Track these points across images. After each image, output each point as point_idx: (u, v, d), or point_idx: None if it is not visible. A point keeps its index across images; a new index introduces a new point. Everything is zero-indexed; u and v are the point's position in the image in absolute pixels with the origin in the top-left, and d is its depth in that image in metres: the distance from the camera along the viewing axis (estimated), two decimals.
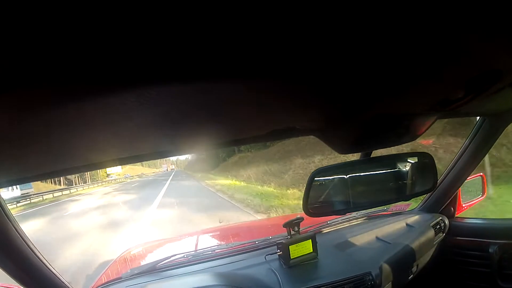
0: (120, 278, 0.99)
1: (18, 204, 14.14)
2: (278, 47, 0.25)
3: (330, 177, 0.78)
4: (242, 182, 11.43)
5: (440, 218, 1.21)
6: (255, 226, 1.97)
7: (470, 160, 1.10)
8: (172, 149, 0.58)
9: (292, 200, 6.24)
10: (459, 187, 1.21)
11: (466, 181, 1.20)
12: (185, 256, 1.06)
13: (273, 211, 5.45)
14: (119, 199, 11.79)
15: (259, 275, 0.91)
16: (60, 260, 3.62)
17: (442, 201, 1.25)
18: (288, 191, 7.62)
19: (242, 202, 7.00)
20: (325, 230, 1.19)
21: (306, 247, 0.98)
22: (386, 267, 0.92)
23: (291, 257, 0.95)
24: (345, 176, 0.77)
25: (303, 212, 0.74)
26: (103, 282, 1.01)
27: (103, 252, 3.84)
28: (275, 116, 0.49)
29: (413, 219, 1.22)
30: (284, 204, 5.96)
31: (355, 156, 0.82)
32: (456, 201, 1.26)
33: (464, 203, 1.29)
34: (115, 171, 51.20)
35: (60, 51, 0.20)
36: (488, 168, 3.77)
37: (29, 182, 0.54)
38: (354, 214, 1.29)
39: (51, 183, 31.52)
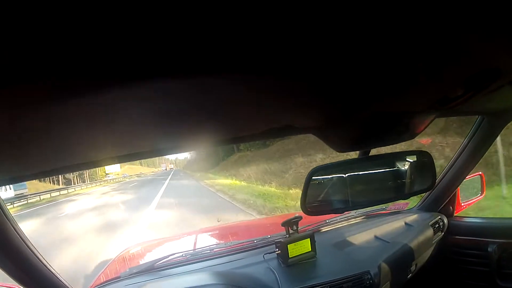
0: (119, 277, 0.99)
1: (15, 205, 13.97)
2: (277, 43, 0.25)
3: (329, 176, 0.77)
4: (242, 182, 11.15)
5: (439, 217, 1.21)
6: (253, 225, 1.98)
7: (469, 159, 1.10)
8: (170, 146, 0.58)
9: (296, 201, 6.03)
10: (458, 186, 1.21)
11: (465, 180, 1.20)
12: (184, 255, 1.06)
13: (278, 212, 5.21)
14: (117, 199, 11.55)
15: (258, 274, 0.91)
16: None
17: (441, 200, 1.25)
18: (290, 191, 7.43)
19: (244, 203, 6.71)
20: (324, 229, 1.19)
21: (304, 246, 0.97)
22: (384, 266, 0.92)
23: (290, 256, 0.94)
24: (343, 175, 0.76)
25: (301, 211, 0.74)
26: (102, 281, 1.01)
27: (95, 258, 3.53)
28: (272, 114, 0.49)
29: (411, 218, 1.22)
30: (290, 205, 5.76)
31: (353, 155, 0.81)
32: (455, 200, 1.26)
33: (463, 202, 1.30)
34: (113, 170, 51.20)
35: (60, 46, 0.20)
36: (502, 168, 3.77)
37: (29, 180, 0.53)
38: (352, 213, 1.29)
39: (50, 182, 31.49)
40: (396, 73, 0.37)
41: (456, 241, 1.20)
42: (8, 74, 0.22)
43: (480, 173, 1.33)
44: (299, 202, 0.75)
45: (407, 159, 0.82)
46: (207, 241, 1.48)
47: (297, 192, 6.90)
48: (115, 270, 1.14)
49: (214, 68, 0.27)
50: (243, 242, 1.12)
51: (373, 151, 0.77)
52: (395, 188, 0.81)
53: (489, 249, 1.07)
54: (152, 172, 67.49)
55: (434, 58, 0.34)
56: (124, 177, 47.47)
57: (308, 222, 1.17)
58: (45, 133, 0.34)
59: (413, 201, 1.40)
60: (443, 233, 1.20)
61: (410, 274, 1.06)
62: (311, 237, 0.99)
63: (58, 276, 0.75)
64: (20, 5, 0.16)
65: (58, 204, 12.85)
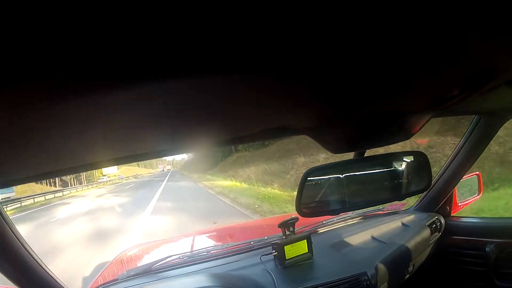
0: (117, 279, 0.99)
1: (9, 208, 13.67)
2: (278, 42, 0.25)
3: (324, 177, 0.77)
4: (243, 183, 10.85)
5: (436, 217, 1.22)
6: (250, 226, 1.98)
7: (466, 159, 1.10)
8: (169, 148, 0.58)
9: None
10: (454, 186, 1.21)
11: (462, 180, 1.21)
12: (181, 257, 1.05)
13: None
14: (112, 202, 11.09)
15: (255, 275, 0.91)
16: None
17: (438, 200, 1.25)
18: (295, 192, 6.86)
19: (248, 207, 6.17)
20: (321, 230, 1.19)
21: (301, 248, 0.97)
22: (381, 267, 0.92)
23: (286, 258, 0.94)
24: (340, 175, 0.76)
25: None
26: (100, 284, 1.01)
27: (82, 273, 3.18)
28: (271, 114, 0.48)
29: (408, 218, 1.22)
30: None
31: (349, 157, 0.81)
32: (452, 200, 1.26)
33: (460, 202, 1.30)
34: (110, 172, 50.94)
35: (60, 47, 0.20)
36: None
37: (29, 182, 0.54)
38: (349, 213, 1.29)
39: (46, 184, 31.24)
40: (392, 73, 0.37)
41: (453, 241, 1.20)
42: (8, 74, 0.22)
43: (477, 173, 1.34)
44: None
45: (403, 159, 0.82)
46: (204, 243, 1.48)
47: None
48: (112, 272, 1.14)
49: (214, 68, 0.27)
50: (240, 244, 1.12)
51: (369, 152, 0.76)
52: (391, 189, 0.81)
53: (486, 249, 1.07)
54: (149, 173, 67.53)
55: (430, 58, 0.34)
56: (120, 178, 47.23)
57: (304, 223, 1.16)
58: (44, 134, 0.34)
59: (410, 201, 1.40)
60: (440, 233, 1.20)
61: (408, 275, 1.05)
62: (308, 238, 0.99)
63: (57, 278, 0.76)
64: (22, 6, 0.16)
65: (51, 208, 12.38)
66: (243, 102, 0.39)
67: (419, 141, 5.27)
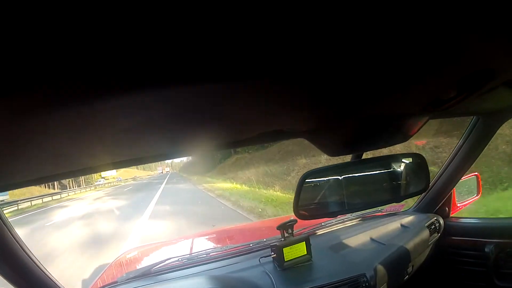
0: (116, 282, 0.99)
1: (6, 211, 13.65)
2: (272, 47, 0.25)
3: (322, 179, 0.77)
4: (243, 186, 10.60)
5: (435, 218, 1.22)
6: (249, 228, 1.97)
7: (464, 160, 1.11)
8: (168, 152, 0.58)
9: None
10: (453, 187, 1.22)
11: (460, 180, 1.21)
12: (180, 259, 1.05)
13: None
14: (109, 205, 10.88)
15: (253, 278, 0.91)
16: None
17: (437, 201, 1.25)
18: None
19: (252, 211, 5.85)
20: (319, 232, 1.19)
21: (300, 249, 0.97)
22: (380, 268, 0.92)
23: (285, 260, 0.94)
24: (339, 177, 0.76)
25: None
26: (99, 286, 1.01)
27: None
28: (264, 118, 0.49)
29: (407, 219, 1.22)
30: None
31: (348, 158, 0.81)
32: (450, 201, 1.26)
33: (459, 203, 1.30)
34: (109, 174, 50.81)
35: (60, 53, 0.20)
36: None
37: (29, 186, 0.54)
38: (348, 215, 1.29)
39: (45, 186, 31.04)
40: (389, 75, 0.37)
41: (452, 242, 1.20)
42: (9, 81, 0.22)
43: (476, 173, 1.34)
44: None
45: (401, 161, 0.82)
46: (203, 245, 1.48)
47: None
48: (112, 275, 1.14)
49: (212, 75, 0.27)
50: (239, 246, 1.11)
51: (367, 155, 0.76)
52: (389, 191, 0.81)
53: (486, 249, 1.07)
54: (148, 175, 67.39)
55: (427, 61, 0.34)
56: (119, 181, 47.05)
57: (303, 225, 1.16)
58: (44, 139, 0.34)
59: (409, 203, 1.40)
60: (439, 234, 1.20)
61: (407, 276, 1.05)
62: (307, 240, 0.98)
63: (56, 281, 0.76)
64: (23, 13, 0.16)
65: (48, 211, 12.25)
66: (241, 106, 0.39)
67: (417, 142, 5.27)
